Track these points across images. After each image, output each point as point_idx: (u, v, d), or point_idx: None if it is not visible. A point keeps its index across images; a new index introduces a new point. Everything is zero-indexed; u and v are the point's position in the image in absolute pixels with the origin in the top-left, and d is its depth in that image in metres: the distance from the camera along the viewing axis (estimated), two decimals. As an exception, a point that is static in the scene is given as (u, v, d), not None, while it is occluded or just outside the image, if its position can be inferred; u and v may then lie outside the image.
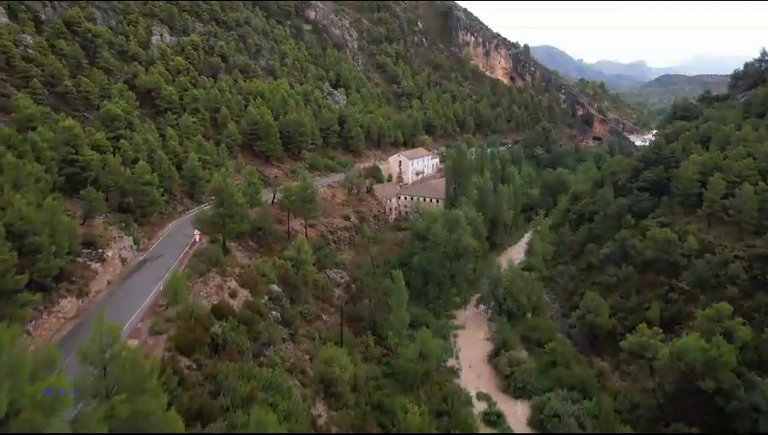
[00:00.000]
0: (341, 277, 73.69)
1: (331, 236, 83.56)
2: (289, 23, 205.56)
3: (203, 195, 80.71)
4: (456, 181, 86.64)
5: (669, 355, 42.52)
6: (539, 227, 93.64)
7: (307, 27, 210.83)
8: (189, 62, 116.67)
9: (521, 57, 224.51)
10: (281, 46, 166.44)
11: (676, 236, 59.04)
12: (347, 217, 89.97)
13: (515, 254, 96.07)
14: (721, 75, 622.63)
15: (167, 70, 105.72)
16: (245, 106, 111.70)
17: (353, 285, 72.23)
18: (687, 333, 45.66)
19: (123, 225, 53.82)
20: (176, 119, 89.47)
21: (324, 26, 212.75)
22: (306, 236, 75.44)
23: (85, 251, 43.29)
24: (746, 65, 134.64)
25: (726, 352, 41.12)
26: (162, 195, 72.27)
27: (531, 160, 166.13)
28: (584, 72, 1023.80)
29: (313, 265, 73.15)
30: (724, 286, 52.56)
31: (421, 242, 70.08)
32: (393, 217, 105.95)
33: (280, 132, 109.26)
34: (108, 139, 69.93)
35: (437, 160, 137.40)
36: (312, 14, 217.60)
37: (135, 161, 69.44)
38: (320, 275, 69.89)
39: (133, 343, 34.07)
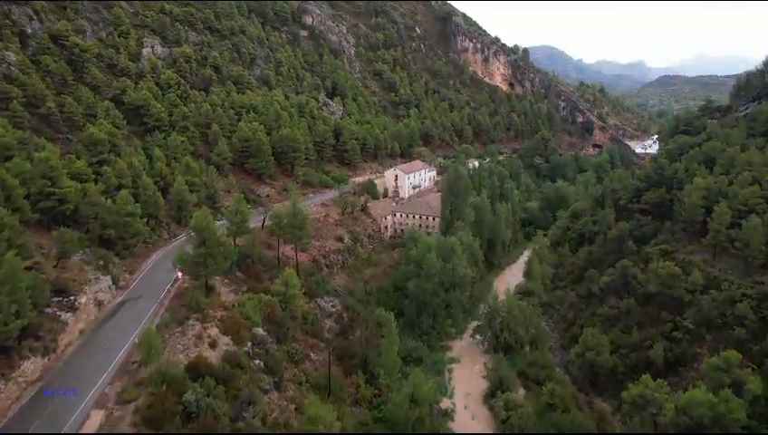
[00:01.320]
0: (333, 306, 71.23)
1: (323, 261, 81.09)
2: (285, 29, 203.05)
3: (191, 219, 78.42)
4: (452, 203, 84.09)
5: (674, 409, 40.05)
6: (537, 247, 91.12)
7: (304, 33, 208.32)
8: (181, 75, 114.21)
9: (520, 63, 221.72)
10: (276, 54, 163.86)
11: (680, 270, 56.55)
12: (340, 239, 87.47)
13: (514, 274, 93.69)
14: (720, 76, 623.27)
15: (157, 84, 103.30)
16: (238, 120, 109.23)
17: (345, 315, 69.79)
18: (694, 384, 43.18)
19: (102, 262, 51.37)
20: (164, 138, 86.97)
21: (321, 32, 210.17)
22: (297, 262, 73.09)
23: (56, 300, 40.87)
24: (749, 75, 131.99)
25: (736, 408, 38.74)
26: (147, 222, 70.28)
27: (530, 170, 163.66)
28: (584, 72, 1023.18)
29: (305, 293, 71.45)
30: (731, 327, 50.12)
31: (416, 270, 67.57)
32: (389, 234, 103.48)
33: (273, 148, 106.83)
34: (91, 164, 67.76)
35: (434, 173, 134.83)
36: (309, 20, 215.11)
37: (119, 188, 67.09)
38: (310, 306, 67.52)
39: (98, 414, 31.74)
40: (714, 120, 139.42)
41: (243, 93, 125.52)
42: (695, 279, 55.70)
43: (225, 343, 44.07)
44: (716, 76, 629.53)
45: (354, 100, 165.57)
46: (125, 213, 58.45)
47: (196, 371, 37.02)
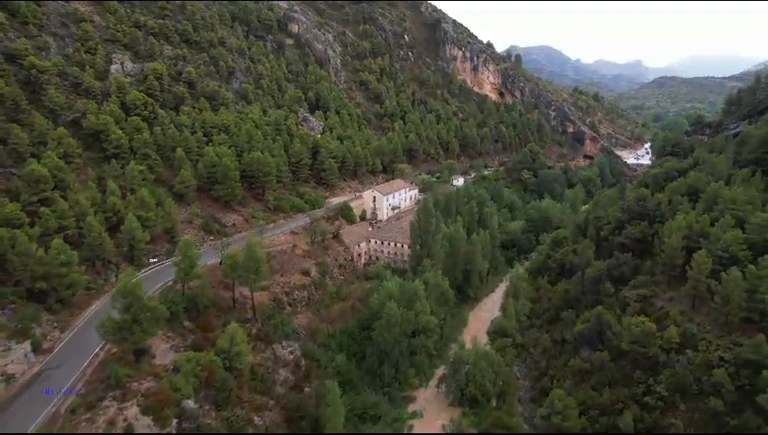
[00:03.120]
0: (292, 352, 67.03)
1: (286, 298, 76.88)
2: (271, 37, 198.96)
3: (146, 256, 74.21)
4: (422, 238, 79.78)
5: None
6: (515, 279, 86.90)
7: (289, 42, 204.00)
8: (150, 94, 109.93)
9: (510, 72, 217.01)
10: (258, 66, 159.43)
11: (654, 326, 52.38)
12: (306, 273, 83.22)
13: (490, 307, 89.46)
14: (716, 78, 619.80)
15: (122, 105, 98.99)
16: (207, 142, 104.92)
17: (303, 363, 65.58)
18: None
19: (20, 325, 47.06)
20: (121, 167, 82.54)
21: (307, 41, 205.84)
22: (253, 306, 68.92)
23: (-50, 384, 36.64)
24: (740, 91, 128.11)
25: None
26: (93, 265, 66.11)
27: (517, 185, 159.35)
28: (582, 72, 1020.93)
29: (261, 339, 67.35)
30: (707, 396, 46.00)
31: (379, 316, 63.39)
32: (363, 262, 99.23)
33: (243, 172, 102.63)
34: (31, 203, 63.64)
35: (416, 192, 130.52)
36: (295, 28, 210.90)
37: (60, 230, 62.95)
38: (264, 356, 63.40)
39: None
40: (704, 135, 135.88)
41: (216, 111, 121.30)
42: (670, 336, 51.54)
43: (145, 425, 39.89)
44: (713, 77, 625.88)
45: (337, 112, 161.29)
46: (59, 263, 54.25)
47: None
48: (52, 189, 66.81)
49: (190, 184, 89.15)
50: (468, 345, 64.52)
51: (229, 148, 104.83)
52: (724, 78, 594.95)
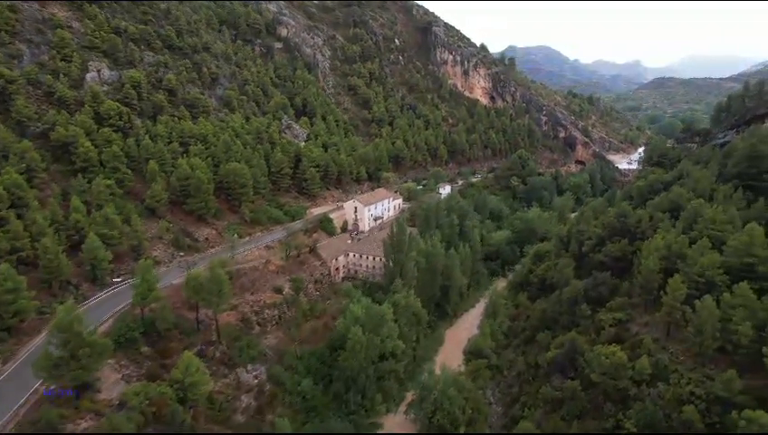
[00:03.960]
0: (256, 377, 64.81)
1: (255, 318, 74.59)
2: (259, 41, 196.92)
3: (109, 275, 71.83)
4: (395, 258, 77.44)
5: None
6: (493, 298, 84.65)
7: (278, 46, 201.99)
8: (126, 103, 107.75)
9: (501, 76, 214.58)
10: (243, 72, 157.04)
11: (626, 357, 50.15)
12: (279, 290, 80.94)
13: (469, 324, 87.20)
14: (714, 78, 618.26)
15: (96, 114, 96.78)
16: (183, 153, 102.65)
17: (267, 388, 63.38)
18: None
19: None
20: (88, 182, 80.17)
21: (296, 45, 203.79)
22: (218, 329, 66.64)
23: None
24: (730, 98, 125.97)
25: None
26: (49, 286, 63.86)
27: (506, 192, 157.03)
28: (580, 72, 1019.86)
29: (225, 363, 65.15)
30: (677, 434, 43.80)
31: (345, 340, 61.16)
32: (341, 276, 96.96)
33: (219, 183, 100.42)
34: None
35: (400, 201, 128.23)
36: (284, 32, 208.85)
37: (13, 252, 60.73)
38: (225, 382, 61.23)
39: None
40: (694, 143, 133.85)
41: (196, 119, 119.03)
42: (642, 367, 49.32)
43: (77, 472, 37.60)
44: (710, 78, 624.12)
45: (324, 119, 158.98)
46: (4, 290, 51.97)
47: None
48: (9, 208, 64.55)
49: (161, 198, 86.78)
50: (438, 370, 62.28)
51: (206, 158, 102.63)
52: (721, 79, 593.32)
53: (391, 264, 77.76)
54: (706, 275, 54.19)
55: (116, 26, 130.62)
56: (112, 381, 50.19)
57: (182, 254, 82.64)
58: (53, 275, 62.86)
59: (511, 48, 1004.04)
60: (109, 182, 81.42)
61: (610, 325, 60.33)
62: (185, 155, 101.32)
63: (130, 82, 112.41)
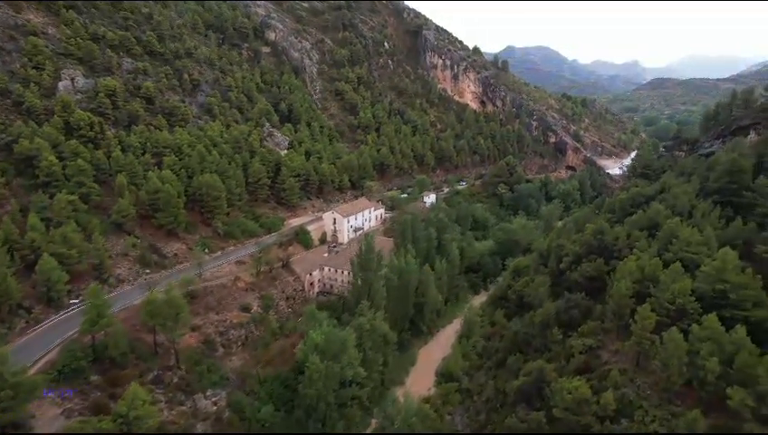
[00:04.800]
0: (216, 403, 62.52)
1: (219, 339, 72.27)
2: (246, 45, 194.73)
3: (67, 297, 69.39)
4: (362, 278, 75.00)
5: None
6: (468, 317, 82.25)
7: (266, 50, 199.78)
8: (100, 113, 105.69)
9: (491, 81, 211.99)
10: (227, 77, 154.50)
11: (590, 391, 47.80)
12: (246, 309, 78.66)
13: (445, 341, 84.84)
14: (711, 79, 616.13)
15: (66, 125, 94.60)
16: (156, 164, 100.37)
17: (226, 416, 61.08)
18: None
19: None
20: (50, 197, 77.85)
21: (284, 49, 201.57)
22: (176, 354, 64.31)
23: None
24: (719, 105, 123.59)
25: None
26: (-1, 310, 61.61)
27: (493, 200, 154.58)
28: (579, 72, 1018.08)
29: (183, 389, 62.85)
30: (639, 478, 41.53)
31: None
32: (316, 291, 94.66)
33: (192, 196, 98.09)
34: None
35: (382, 211, 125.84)
36: (271, 36, 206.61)
37: (-41, 275, 58.58)
38: (180, 411, 58.89)
39: None
40: (682, 151, 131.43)
41: (173, 128, 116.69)
42: (606, 402, 46.93)
43: None
44: (708, 79, 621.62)
45: (308, 125, 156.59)
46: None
47: None
48: (-42, 228, 62.39)
49: (128, 213, 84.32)
50: (401, 398, 59.99)
51: (180, 170, 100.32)
52: (719, 80, 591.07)
53: (359, 282, 75.33)
54: (677, 303, 51.83)
55: (94, 32, 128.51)
56: (51, 417, 47.92)
57: (148, 271, 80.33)
58: (2, 299, 60.53)
59: (509, 48, 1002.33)
60: (72, 198, 79.00)
61: (580, 352, 58.01)
62: (158, 167, 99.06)
63: (105, 91, 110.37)
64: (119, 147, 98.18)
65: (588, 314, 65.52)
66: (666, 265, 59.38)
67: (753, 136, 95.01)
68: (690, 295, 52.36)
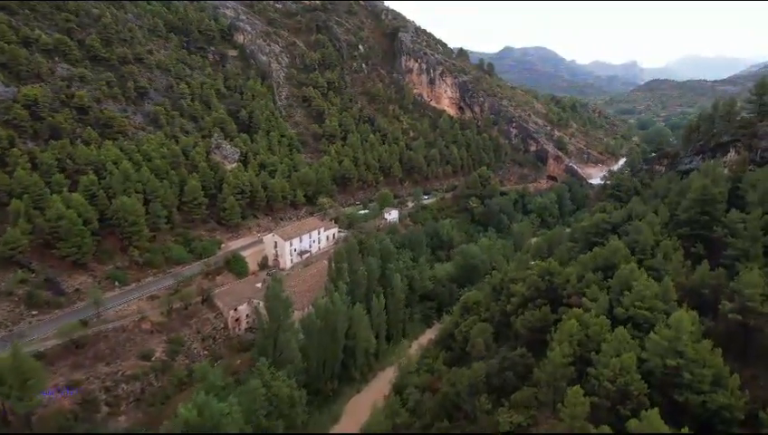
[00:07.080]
0: (79, 484, 52.47)
1: (104, 397, 62.08)
2: (213, 49, 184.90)
3: None
4: (270, 327, 64.67)
5: None
6: (402, 369, 71.96)
7: (233, 53, 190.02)
8: (16, 126, 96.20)
9: (469, 86, 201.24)
10: (181, 84, 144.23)
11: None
12: (147, 356, 68.54)
13: (382, 387, 74.27)
14: (708, 81, 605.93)
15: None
16: (71, 184, 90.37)
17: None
18: None
19: None
20: None
21: (252, 52, 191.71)
22: (29, 423, 54.16)
23: None
24: (701, 117, 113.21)
25: None
26: None
27: (464, 215, 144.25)
28: (577, 73, 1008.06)
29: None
30: None
31: None
32: (243, 328, 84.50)
33: (111, 219, 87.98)
34: None
35: (335, 230, 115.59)
36: (240, 39, 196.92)
37: None
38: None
39: None
40: (662, 166, 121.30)
41: (104, 141, 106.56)
42: None
43: None
44: (705, 80, 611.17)
45: (268, 133, 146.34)
46: None
47: None
48: None
49: (20, 244, 74.19)
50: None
51: (99, 191, 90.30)
52: (715, 81, 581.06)
53: (263, 335, 65.04)
54: (619, 383, 41.62)
55: (25, 35, 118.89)
56: None
57: (35, 313, 70.12)
58: None
59: (507, 49, 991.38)
60: (-53, 228, 69.12)
61: (507, 432, 47.80)
62: (72, 188, 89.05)
63: (24, 100, 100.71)
64: (27, 164, 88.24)
65: (526, 376, 55.33)
66: (615, 323, 49.42)
67: (732, 154, 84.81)
68: (637, 371, 42.23)
